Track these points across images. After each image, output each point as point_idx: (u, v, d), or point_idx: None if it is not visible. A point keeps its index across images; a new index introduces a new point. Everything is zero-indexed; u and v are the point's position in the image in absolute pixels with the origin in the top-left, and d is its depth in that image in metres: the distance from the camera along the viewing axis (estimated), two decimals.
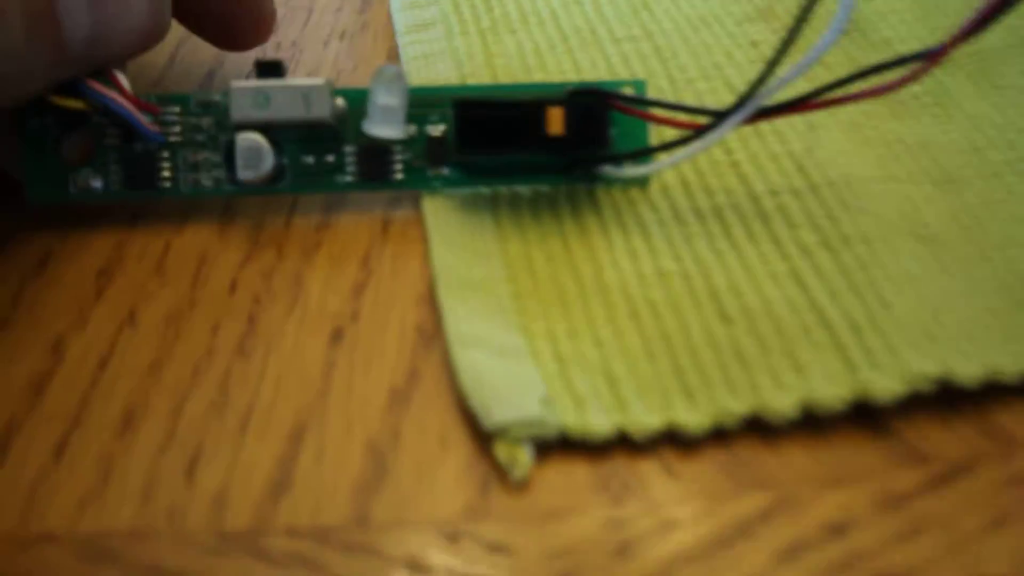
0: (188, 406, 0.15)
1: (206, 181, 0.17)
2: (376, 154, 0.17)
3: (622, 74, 0.20)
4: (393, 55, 0.22)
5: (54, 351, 0.15)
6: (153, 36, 0.17)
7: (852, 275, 0.16)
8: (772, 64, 0.14)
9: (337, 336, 0.16)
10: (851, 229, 0.16)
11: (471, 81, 0.20)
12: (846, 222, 0.17)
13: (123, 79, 0.17)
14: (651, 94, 0.20)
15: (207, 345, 0.15)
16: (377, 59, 0.21)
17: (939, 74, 0.20)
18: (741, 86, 0.19)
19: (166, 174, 0.17)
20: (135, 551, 0.13)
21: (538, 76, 0.20)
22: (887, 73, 0.16)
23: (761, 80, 0.15)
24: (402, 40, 0.21)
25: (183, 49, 0.22)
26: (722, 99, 0.19)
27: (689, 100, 0.19)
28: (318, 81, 0.16)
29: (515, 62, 0.21)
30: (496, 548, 0.13)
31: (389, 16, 0.23)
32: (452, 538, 0.13)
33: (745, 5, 0.22)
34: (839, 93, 0.16)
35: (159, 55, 0.21)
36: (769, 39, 0.21)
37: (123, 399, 0.15)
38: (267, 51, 0.22)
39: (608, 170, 0.17)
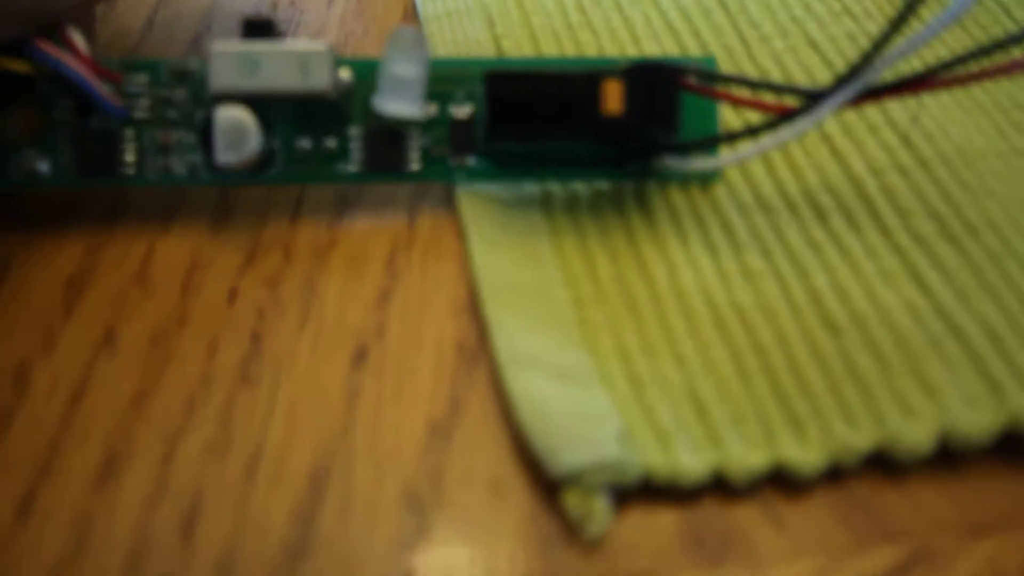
0: (182, 448, 0.13)
1: (178, 167, 0.15)
2: (388, 138, 0.15)
3: (682, 32, 0.18)
4: (410, 14, 0.19)
5: (16, 382, 0.13)
6: None
7: (983, 272, 0.14)
8: (884, 38, 0.12)
9: (360, 356, 0.14)
10: (975, 215, 0.14)
11: (505, 42, 0.18)
12: (968, 206, 0.14)
13: (78, 39, 0.14)
14: (719, 55, 0.17)
15: (203, 371, 0.13)
16: (391, 19, 0.19)
17: None
18: (825, 44, 0.17)
19: (129, 158, 0.15)
20: None
21: (584, 36, 0.18)
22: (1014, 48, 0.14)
23: (868, 57, 0.12)
24: None
25: (163, 11, 0.20)
26: (805, 61, 0.17)
27: (765, 61, 0.17)
28: (318, 45, 0.14)
29: (556, 20, 0.18)
30: None
31: None
32: None
33: None
34: (961, 71, 0.13)
35: (134, 18, 0.19)
36: None
37: (102, 441, 0.13)
38: (261, 12, 0.19)
39: (672, 162, 0.14)
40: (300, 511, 0.12)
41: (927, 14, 0.18)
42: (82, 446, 0.13)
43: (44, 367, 0.14)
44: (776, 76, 0.17)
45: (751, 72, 0.17)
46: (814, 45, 0.18)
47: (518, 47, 0.18)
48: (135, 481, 0.12)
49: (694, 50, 0.18)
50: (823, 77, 0.17)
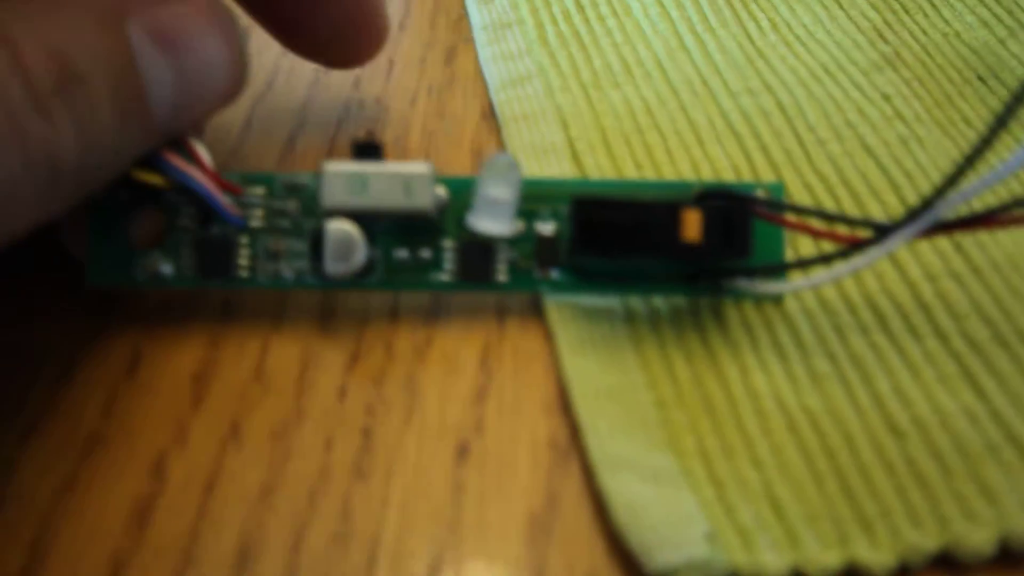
0: (308, 538, 0.14)
1: (287, 272, 0.16)
2: (478, 252, 0.16)
3: (744, 134, 0.19)
4: (488, 114, 0.21)
5: (155, 472, 0.15)
6: (233, 93, 0.16)
7: None
8: (958, 173, 0.13)
9: (463, 452, 0.15)
10: None
11: (579, 144, 0.19)
12: (1020, 313, 0.16)
13: (203, 152, 0.16)
14: (779, 158, 0.19)
15: (321, 465, 0.15)
16: (470, 118, 0.21)
17: None
18: (879, 148, 0.19)
19: (243, 262, 0.16)
20: None
21: (651, 137, 0.19)
22: None
23: (941, 191, 0.13)
24: (497, 97, 0.21)
25: (259, 109, 0.21)
26: (861, 167, 0.19)
27: (823, 165, 0.19)
28: (421, 168, 0.16)
29: (625, 122, 0.20)
30: None
31: (477, 67, 0.22)
32: None
33: (869, 51, 0.21)
34: None
35: (233, 119, 0.21)
36: (902, 91, 0.20)
37: (236, 530, 0.14)
38: (351, 110, 0.21)
39: (741, 284, 0.16)
40: None
41: (1001, 146, 0.19)
42: (218, 534, 0.14)
43: (179, 459, 0.15)
44: (833, 180, 0.18)
45: (810, 176, 0.19)
46: (868, 149, 0.19)
47: (591, 149, 0.19)
48: (268, 570, 0.14)
49: (755, 152, 0.19)
50: (878, 181, 0.18)
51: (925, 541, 0.13)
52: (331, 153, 0.20)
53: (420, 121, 0.21)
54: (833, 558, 0.13)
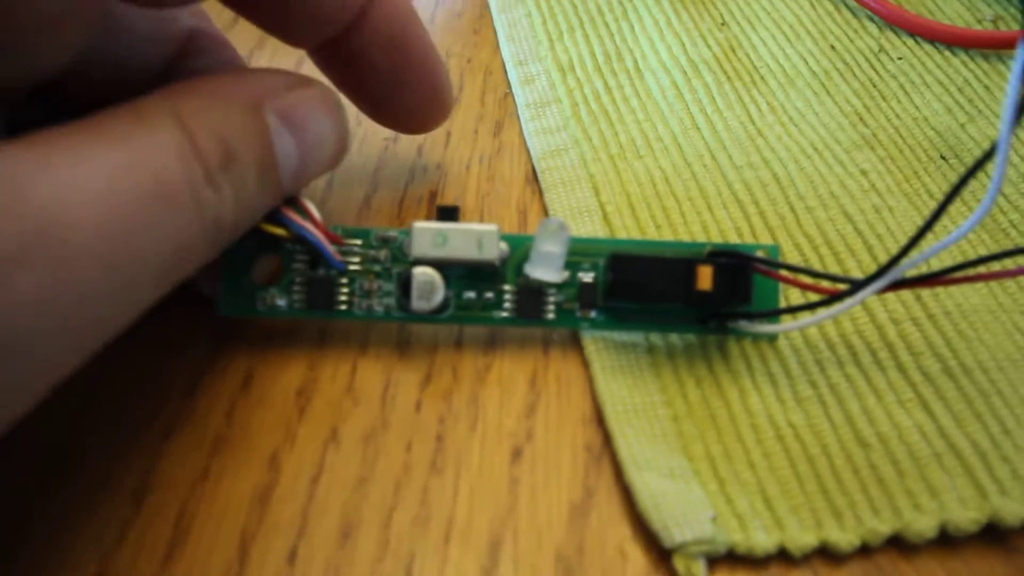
0: (396, 518, 0.18)
1: (377, 307, 0.20)
2: (532, 294, 0.20)
3: (745, 201, 0.23)
4: (531, 178, 0.25)
5: (271, 467, 0.19)
6: (338, 160, 0.20)
7: (974, 403, 0.19)
8: (917, 237, 0.17)
9: (517, 454, 0.19)
10: (969, 358, 0.19)
11: (608, 208, 0.23)
12: (964, 352, 0.20)
13: (314, 209, 0.20)
14: (773, 221, 0.23)
15: (404, 462, 0.19)
16: (516, 183, 0.25)
17: None
18: (856, 215, 0.23)
19: (343, 298, 0.20)
20: None
21: (669, 202, 0.24)
22: None
23: (904, 251, 0.17)
24: (540, 166, 0.25)
25: (338, 173, 0.25)
26: (842, 230, 0.23)
27: (809, 228, 0.23)
28: (490, 227, 0.20)
29: (646, 189, 0.24)
30: None
31: (522, 139, 0.26)
32: None
33: (850, 132, 0.26)
34: (982, 270, 0.18)
35: (317, 181, 0.25)
36: (877, 167, 0.24)
37: (338, 512, 0.18)
38: (416, 174, 0.25)
39: (743, 325, 0.20)
40: (485, 567, 0.17)
41: (958, 214, 0.23)
42: (324, 515, 0.18)
43: (289, 457, 0.19)
44: (818, 241, 0.22)
45: (799, 237, 0.22)
46: (848, 216, 0.23)
47: (619, 212, 0.23)
48: (365, 543, 0.17)
49: (754, 217, 0.23)
50: (855, 243, 0.22)
51: (882, 526, 0.17)
52: (401, 210, 0.24)
53: (475, 184, 0.25)
54: (810, 538, 0.17)
